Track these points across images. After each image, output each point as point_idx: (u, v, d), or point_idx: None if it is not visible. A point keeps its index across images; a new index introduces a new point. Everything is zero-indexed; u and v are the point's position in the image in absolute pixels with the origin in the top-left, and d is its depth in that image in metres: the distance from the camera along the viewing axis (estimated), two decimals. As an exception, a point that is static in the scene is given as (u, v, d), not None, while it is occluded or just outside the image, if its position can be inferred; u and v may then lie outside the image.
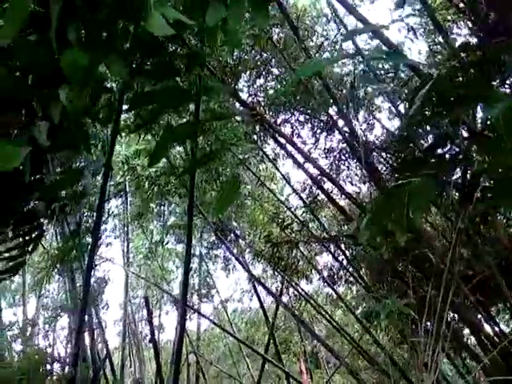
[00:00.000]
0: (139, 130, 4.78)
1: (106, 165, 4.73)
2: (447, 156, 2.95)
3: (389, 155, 6.85)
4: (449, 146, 3.37)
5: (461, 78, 3.33)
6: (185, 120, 6.30)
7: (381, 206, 1.72)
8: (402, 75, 6.07)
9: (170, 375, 8.97)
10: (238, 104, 6.75)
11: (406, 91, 5.23)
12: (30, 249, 2.72)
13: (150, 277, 11.49)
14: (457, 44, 5.02)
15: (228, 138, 6.52)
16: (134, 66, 2.32)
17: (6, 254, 2.63)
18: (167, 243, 10.16)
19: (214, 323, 10.13)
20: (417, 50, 7.18)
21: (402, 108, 6.21)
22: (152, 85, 3.10)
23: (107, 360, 6.63)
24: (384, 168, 6.90)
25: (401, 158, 5.47)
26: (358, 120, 6.71)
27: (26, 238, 2.64)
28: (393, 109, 6.64)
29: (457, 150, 3.36)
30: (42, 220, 2.78)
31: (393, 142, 6.21)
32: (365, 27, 3.83)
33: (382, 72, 5.83)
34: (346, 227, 7.84)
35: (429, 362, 3.97)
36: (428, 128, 4.20)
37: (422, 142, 5.94)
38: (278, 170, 8.26)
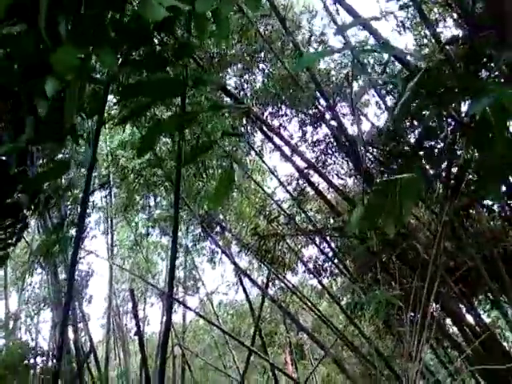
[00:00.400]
0: (125, 122, 4.72)
1: (91, 157, 4.66)
2: (435, 149, 2.99)
3: (375, 149, 6.89)
4: (435, 140, 3.41)
5: (448, 71, 3.36)
6: (170, 112, 6.26)
7: (373, 200, 1.72)
8: (390, 68, 6.12)
9: (156, 367, 8.96)
10: (224, 96, 6.70)
11: (396, 84, 5.26)
12: (13, 242, 2.68)
13: (135, 269, 11.43)
14: (443, 37, 5.06)
15: (215, 131, 6.47)
16: (120, 56, 2.28)
17: (-11, 248, 2.58)
18: (152, 236, 10.11)
19: (200, 315, 10.13)
20: (404, 43, 7.23)
21: (389, 102, 6.25)
22: (139, 75, 3.06)
23: (91, 353, 6.57)
24: (371, 162, 6.94)
25: (387, 152, 5.51)
26: (351, 113, 6.73)
27: (9, 230, 2.59)
28: (380, 103, 6.66)
29: (443, 143, 3.40)
30: (25, 212, 2.73)
31: (380, 136, 6.25)
32: (356, 20, 3.81)
33: (371, 65, 5.85)
34: (332, 220, 7.90)
35: (413, 352, 4.04)
36: (415, 121, 4.24)
37: (408, 135, 6.00)
38: (265, 162, 8.25)
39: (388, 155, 5.62)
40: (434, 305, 4.62)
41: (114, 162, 7.64)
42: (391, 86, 5.86)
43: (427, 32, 6.04)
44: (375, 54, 5.70)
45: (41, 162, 3.02)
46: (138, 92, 2.10)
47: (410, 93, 2.40)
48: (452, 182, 3.82)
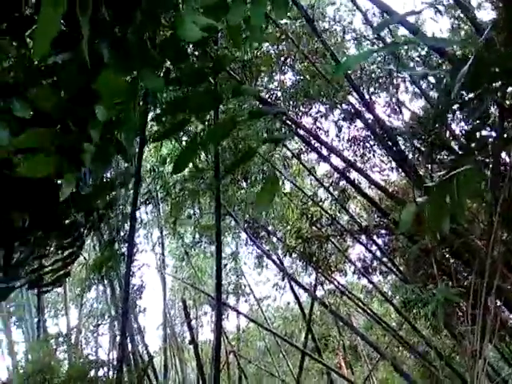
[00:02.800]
0: (165, 137, 4.83)
1: (135, 173, 4.79)
2: (488, 138, 2.88)
3: (417, 140, 6.70)
4: (486, 128, 3.29)
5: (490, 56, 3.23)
6: (202, 125, 6.33)
7: (434, 197, 1.69)
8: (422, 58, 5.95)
9: (211, 374, 9.06)
10: (257, 102, 6.72)
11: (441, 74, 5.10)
12: (72, 260, 2.80)
13: (186, 279, 11.63)
14: (480, 20, 4.87)
15: (251, 137, 6.51)
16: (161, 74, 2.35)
17: (51, 267, 2.71)
18: (200, 245, 10.28)
19: (252, 320, 10.18)
20: (438, 29, 7.03)
21: (429, 93, 6.08)
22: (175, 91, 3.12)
23: (150, 363, 6.74)
24: (413, 154, 6.75)
25: (431, 143, 5.35)
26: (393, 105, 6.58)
27: (69, 249, 2.72)
28: (418, 93, 6.48)
29: (494, 131, 3.27)
30: (81, 231, 2.85)
31: (421, 127, 6.06)
32: (397, 15, 3.73)
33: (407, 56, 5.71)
34: (377, 218, 7.74)
35: (477, 350, 3.89)
36: (461, 110, 4.09)
37: (453, 125, 5.81)
38: (303, 165, 8.21)
39: (432, 146, 5.45)
40: (494, 300, 4.43)
41: (157, 176, 7.84)
42: (431, 77, 5.71)
43: (461, 15, 5.84)
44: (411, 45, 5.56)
45: (91, 181, 3.16)
46: (181, 107, 2.16)
47: (464, 78, 2.33)
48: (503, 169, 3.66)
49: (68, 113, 1.92)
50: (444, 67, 5.30)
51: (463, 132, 5.87)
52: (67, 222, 2.68)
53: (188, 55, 2.31)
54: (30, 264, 2.52)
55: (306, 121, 7.39)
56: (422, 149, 6.53)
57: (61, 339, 8.99)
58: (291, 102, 6.84)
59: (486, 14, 5.76)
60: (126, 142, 1.85)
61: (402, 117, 7.45)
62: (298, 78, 6.86)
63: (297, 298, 9.38)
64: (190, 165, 7.70)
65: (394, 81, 6.79)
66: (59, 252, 2.70)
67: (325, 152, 7.15)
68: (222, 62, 2.44)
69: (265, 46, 6.48)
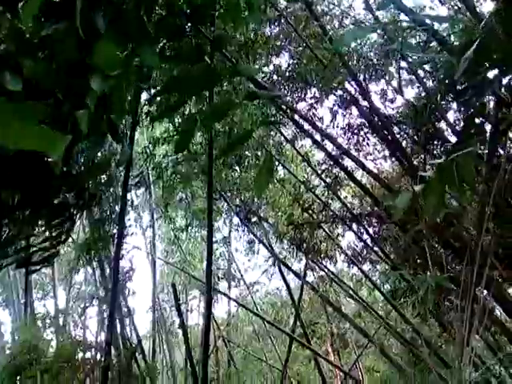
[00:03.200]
0: (163, 117, 4.74)
1: (127, 154, 4.72)
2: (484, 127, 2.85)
3: (411, 129, 6.68)
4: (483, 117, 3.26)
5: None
6: (198, 106, 6.24)
7: (434, 180, 1.66)
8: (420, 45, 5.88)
9: (199, 358, 9.11)
10: (252, 86, 6.62)
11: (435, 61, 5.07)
12: (61, 240, 2.75)
13: (177, 263, 11.60)
14: (479, 10, 4.82)
15: (245, 120, 6.44)
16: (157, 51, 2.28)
17: (39, 246, 2.66)
18: (191, 229, 10.25)
19: (241, 305, 10.22)
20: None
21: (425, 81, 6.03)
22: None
23: (138, 346, 6.74)
24: (406, 142, 6.74)
25: (426, 132, 5.33)
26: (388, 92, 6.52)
27: (58, 229, 2.66)
28: (414, 81, 6.42)
29: (489, 121, 3.25)
30: (71, 211, 2.79)
31: (416, 115, 6.03)
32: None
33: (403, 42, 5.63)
34: (369, 207, 7.75)
35: (465, 338, 3.93)
36: (458, 98, 4.05)
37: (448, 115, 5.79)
38: (297, 150, 8.16)
39: (427, 135, 5.44)
40: (483, 290, 4.46)
41: (149, 158, 7.74)
42: (427, 66, 5.66)
43: (460, 5, 5.79)
44: (409, 31, 5.49)
45: (82, 161, 3.09)
46: (179, 85, 2.10)
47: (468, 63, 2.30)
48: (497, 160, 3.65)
49: (61, 85, 1.85)
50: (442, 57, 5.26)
51: (458, 121, 5.88)
52: (57, 201, 2.62)
53: (186, 33, 2.24)
54: (18, 243, 2.46)
55: (301, 106, 7.33)
56: (416, 138, 6.52)
57: (48, 320, 8.94)
58: (287, 87, 6.76)
59: (486, 6, 5.70)
60: (116, 113, 1.80)
61: (397, 105, 7.42)
62: (294, 61, 6.76)
63: (286, 283, 9.42)
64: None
65: (391, 68, 6.73)
66: (48, 231, 2.64)
67: (319, 138, 7.11)
68: (220, 40, 2.38)
69: (262, 29, 6.37)
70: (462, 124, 4.91)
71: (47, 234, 2.66)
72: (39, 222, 2.57)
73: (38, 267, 2.74)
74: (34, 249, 2.54)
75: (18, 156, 2.33)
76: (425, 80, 6.09)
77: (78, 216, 2.88)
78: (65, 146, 1.49)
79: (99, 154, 3.80)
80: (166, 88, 2.26)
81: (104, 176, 4.62)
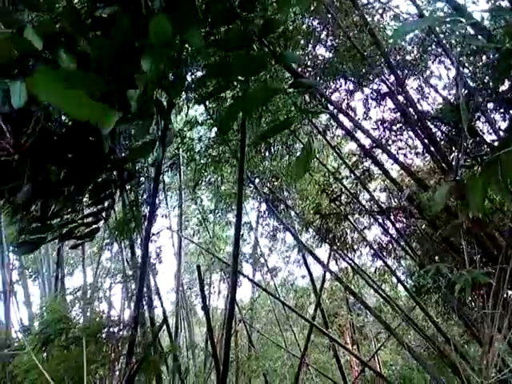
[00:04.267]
0: (207, 99, 4.77)
1: (163, 137, 4.78)
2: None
3: (446, 125, 6.55)
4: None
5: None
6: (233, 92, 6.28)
7: (480, 176, 1.65)
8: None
9: (221, 340, 9.29)
10: (288, 74, 6.60)
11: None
12: (103, 216, 2.84)
13: (202, 243, 11.77)
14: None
15: (280, 109, 6.44)
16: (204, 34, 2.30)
17: (82, 221, 2.76)
18: (218, 212, 10.41)
19: (264, 289, 10.33)
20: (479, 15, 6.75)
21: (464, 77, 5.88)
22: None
23: (164, 324, 6.92)
24: (441, 139, 6.62)
25: (464, 130, 5.21)
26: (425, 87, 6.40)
27: (100, 206, 2.75)
28: (452, 76, 6.28)
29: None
30: (112, 190, 2.87)
31: (452, 112, 5.91)
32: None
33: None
34: (397, 201, 7.67)
35: (489, 339, 3.90)
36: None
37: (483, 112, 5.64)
38: (327, 140, 8.11)
39: (465, 134, 5.31)
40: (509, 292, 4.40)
41: (183, 141, 7.85)
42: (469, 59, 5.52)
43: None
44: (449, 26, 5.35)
45: (126, 142, 3.16)
46: (226, 70, 2.12)
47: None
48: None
49: (114, 64, 1.90)
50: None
51: (496, 121, 5.73)
52: (100, 179, 2.70)
53: (237, 17, 2.25)
54: (62, 217, 2.56)
55: (336, 96, 7.28)
56: (452, 135, 6.38)
57: (77, 294, 9.26)
58: (323, 77, 6.71)
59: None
60: (173, 95, 1.84)
61: (434, 101, 7.29)
62: (332, 51, 6.69)
63: (310, 272, 9.45)
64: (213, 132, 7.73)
65: (430, 63, 6.60)
66: (90, 208, 2.73)
67: (352, 130, 7.05)
68: (270, 25, 2.38)
69: (301, 19, 6.31)
70: (502, 124, 4.80)
71: (89, 210, 2.76)
72: (82, 199, 2.66)
73: (80, 242, 2.84)
74: (77, 224, 2.63)
75: (67, 134, 2.41)
76: (466, 78, 5.95)
77: (118, 194, 2.96)
78: (115, 121, 1.54)
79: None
80: (212, 71, 2.28)
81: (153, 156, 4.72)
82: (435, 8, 6.10)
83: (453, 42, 5.99)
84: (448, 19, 2.08)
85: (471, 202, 1.58)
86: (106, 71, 1.87)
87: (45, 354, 5.51)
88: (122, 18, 1.85)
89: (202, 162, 7.72)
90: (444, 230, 5.01)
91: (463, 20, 1.89)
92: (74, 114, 1.35)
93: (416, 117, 6.20)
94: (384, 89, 6.96)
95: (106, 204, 2.81)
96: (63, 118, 2.31)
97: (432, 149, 6.04)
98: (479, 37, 4.77)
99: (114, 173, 2.78)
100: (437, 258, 6.78)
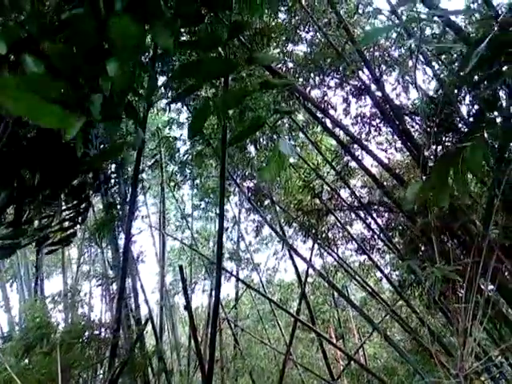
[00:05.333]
0: (178, 101, 4.76)
1: (141, 136, 4.75)
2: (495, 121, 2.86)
3: (423, 120, 6.65)
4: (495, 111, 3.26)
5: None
6: (212, 90, 6.28)
7: (439, 169, 1.69)
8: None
9: (205, 339, 9.29)
10: (267, 72, 6.62)
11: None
12: (79, 220, 2.83)
13: (184, 239, 11.73)
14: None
15: (258, 107, 6.45)
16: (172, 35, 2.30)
17: (58, 226, 2.74)
18: (201, 208, 10.40)
19: (248, 285, 10.35)
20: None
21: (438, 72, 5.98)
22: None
23: (146, 325, 6.89)
24: (419, 133, 6.72)
25: (438, 124, 5.32)
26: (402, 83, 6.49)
27: (77, 209, 2.74)
28: (429, 72, 6.39)
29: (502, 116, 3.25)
30: (89, 192, 2.86)
31: (429, 107, 6.01)
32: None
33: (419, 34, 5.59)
34: (377, 196, 7.77)
35: (468, 328, 3.99)
36: (470, 91, 4.04)
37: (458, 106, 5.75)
38: (308, 137, 8.16)
39: (439, 127, 5.41)
40: (487, 283, 4.50)
41: (161, 140, 7.82)
42: (443, 56, 5.61)
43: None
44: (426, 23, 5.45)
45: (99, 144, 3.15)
46: (194, 71, 2.13)
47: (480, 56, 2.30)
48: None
49: (79, 68, 1.89)
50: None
51: (471, 113, 5.84)
52: (75, 182, 2.69)
53: (204, 18, 2.26)
54: (37, 222, 2.53)
55: (314, 93, 7.33)
56: (428, 129, 6.49)
57: (58, 298, 9.14)
58: (301, 74, 6.75)
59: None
60: (120, 98, 1.83)
61: (410, 96, 7.39)
62: (309, 49, 6.74)
63: (295, 267, 9.50)
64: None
65: (407, 59, 6.68)
66: (67, 212, 2.72)
67: (331, 126, 7.12)
68: (238, 27, 2.39)
69: (277, 16, 6.34)
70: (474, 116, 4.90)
71: (65, 214, 2.74)
72: (57, 203, 2.64)
73: (55, 247, 2.82)
74: (53, 229, 2.61)
75: (38, 138, 2.39)
76: (439, 72, 6.05)
77: (93, 197, 2.95)
78: (80, 126, 1.54)
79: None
80: (181, 73, 2.28)
81: (119, 158, 4.69)
82: (409, 6, 6.18)
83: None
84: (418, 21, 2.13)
85: (433, 197, 1.63)
86: (72, 75, 1.85)
87: (27, 361, 5.44)
88: (85, 20, 1.83)
89: (183, 160, 7.72)
90: (417, 225, 5.10)
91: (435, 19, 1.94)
92: (36, 120, 1.35)
93: (392, 112, 6.28)
94: (361, 85, 7.04)
95: (82, 207, 2.80)
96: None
97: (409, 144, 6.13)
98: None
99: (90, 175, 2.77)
100: (417, 251, 6.90)
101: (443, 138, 5.67)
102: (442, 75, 5.96)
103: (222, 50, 2.67)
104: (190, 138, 5.30)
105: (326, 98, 7.51)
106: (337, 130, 7.15)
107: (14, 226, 2.39)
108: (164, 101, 6.99)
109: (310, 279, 10.43)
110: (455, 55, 5.10)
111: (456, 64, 4.90)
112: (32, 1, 1.99)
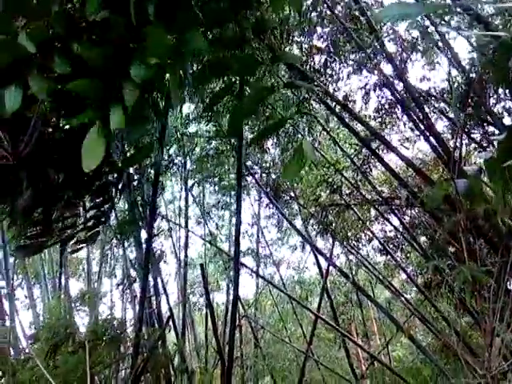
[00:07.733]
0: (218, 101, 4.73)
1: (161, 137, 4.75)
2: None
3: (452, 108, 6.46)
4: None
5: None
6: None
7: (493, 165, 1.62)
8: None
9: (224, 336, 9.29)
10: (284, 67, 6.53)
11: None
12: (103, 219, 2.83)
13: (204, 235, 11.71)
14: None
15: (279, 105, 6.40)
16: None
17: (83, 226, 2.74)
18: (221, 205, 10.40)
19: (269, 282, 10.33)
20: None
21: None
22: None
23: (168, 324, 6.91)
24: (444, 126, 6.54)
25: (468, 116, 5.13)
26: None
27: (101, 209, 2.74)
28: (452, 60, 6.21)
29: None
30: (112, 192, 2.86)
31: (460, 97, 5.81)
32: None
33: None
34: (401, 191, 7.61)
35: (495, 329, 3.88)
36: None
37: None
38: (328, 132, 8.05)
39: (468, 118, 5.23)
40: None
41: (180, 138, 7.84)
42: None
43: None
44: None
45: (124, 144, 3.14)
46: (224, 69, 2.10)
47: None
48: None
49: (110, 67, 1.87)
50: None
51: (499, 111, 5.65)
52: (99, 183, 2.69)
53: (230, 18, 2.22)
54: (63, 222, 2.55)
55: (335, 87, 7.22)
56: (456, 119, 6.29)
57: (81, 297, 9.25)
58: (322, 69, 6.67)
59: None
60: (174, 99, 1.81)
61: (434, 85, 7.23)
62: (330, 43, 6.65)
63: (318, 264, 9.40)
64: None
65: (429, 49, 6.54)
66: (91, 211, 2.72)
67: (351, 121, 7.00)
68: (263, 24, 2.35)
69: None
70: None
71: (90, 213, 2.75)
72: (82, 203, 2.65)
73: (81, 245, 2.83)
74: (78, 228, 2.62)
75: (63, 139, 2.39)
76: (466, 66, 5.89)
77: (117, 197, 2.95)
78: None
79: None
80: (211, 71, 2.25)
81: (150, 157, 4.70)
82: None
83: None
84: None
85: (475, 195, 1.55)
86: (101, 75, 1.84)
87: (55, 359, 5.48)
88: (115, 22, 1.82)
89: (201, 156, 7.74)
90: (446, 223, 4.97)
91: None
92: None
93: (415, 103, 6.11)
94: (383, 78, 6.90)
95: (106, 206, 2.80)
96: (61, 123, 2.29)
97: (433, 140, 5.98)
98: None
99: (114, 176, 2.77)
100: (444, 250, 6.74)
101: (470, 130, 5.48)
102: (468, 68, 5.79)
103: (247, 49, 2.63)
104: (231, 137, 5.31)
105: (346, 93, 7.42)
106: (357, 125, 7.02)
107: (42, 225, 2.40)
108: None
109: (331, 277, 10.31)
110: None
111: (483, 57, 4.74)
112: (60, 1, 1.97)
